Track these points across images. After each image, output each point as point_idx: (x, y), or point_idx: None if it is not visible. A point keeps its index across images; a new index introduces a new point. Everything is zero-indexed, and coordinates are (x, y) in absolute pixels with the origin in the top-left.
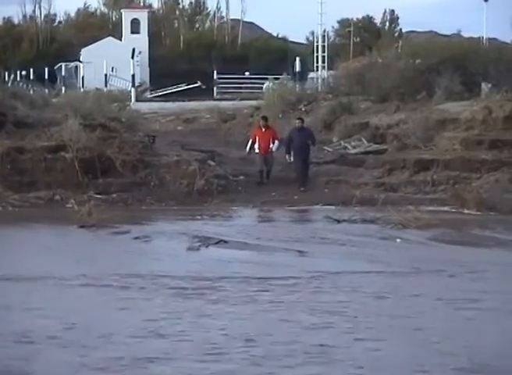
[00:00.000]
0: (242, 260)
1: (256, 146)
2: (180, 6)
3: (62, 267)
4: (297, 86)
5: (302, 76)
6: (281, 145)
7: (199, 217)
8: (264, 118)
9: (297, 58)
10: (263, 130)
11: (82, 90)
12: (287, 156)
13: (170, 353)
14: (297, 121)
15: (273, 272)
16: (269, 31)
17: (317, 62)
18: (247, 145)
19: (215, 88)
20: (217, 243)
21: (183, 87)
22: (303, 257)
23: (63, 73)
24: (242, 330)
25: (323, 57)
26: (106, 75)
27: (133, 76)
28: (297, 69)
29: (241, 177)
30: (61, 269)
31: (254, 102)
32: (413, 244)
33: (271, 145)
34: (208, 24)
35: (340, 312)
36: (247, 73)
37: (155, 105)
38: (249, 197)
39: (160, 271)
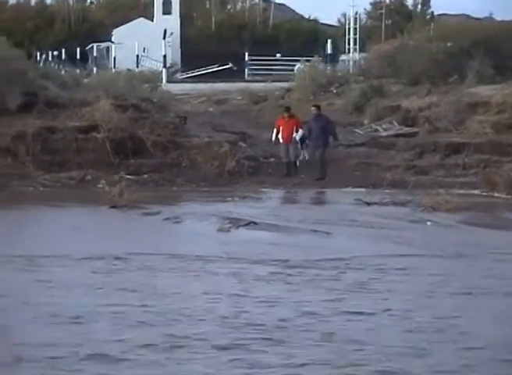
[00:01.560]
0: (272, 242)
1: (280, 136)
2: None
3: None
4: (328, 68)
5: (333, 59)
6: (305, 134)
7: (229, 199)
8: (287, 108)
9: (329, 41)
10: (286, 119)
11: (113, 70)
12: (302, 152)
13: None
14: (313, 108)
15: (304, 254)
16: (301, 13)
17: (348, 45)
18: (272, 135)
19: (246, 70)
20: (247, 224)
21: (215, 68)
22: (332, 239)
23: (95, 54)
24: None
25: (355, 39)
26: (138, 56)
27: (165, 57)
28: (329, 51)
29: (272, 159)
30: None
31: (285, 84)
32: (443, 227)
33: (294, 134)
34: (239, 5)
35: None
36: (278, 55)
37: (187, 86)
38: (279, 179)
39: (192, 251)
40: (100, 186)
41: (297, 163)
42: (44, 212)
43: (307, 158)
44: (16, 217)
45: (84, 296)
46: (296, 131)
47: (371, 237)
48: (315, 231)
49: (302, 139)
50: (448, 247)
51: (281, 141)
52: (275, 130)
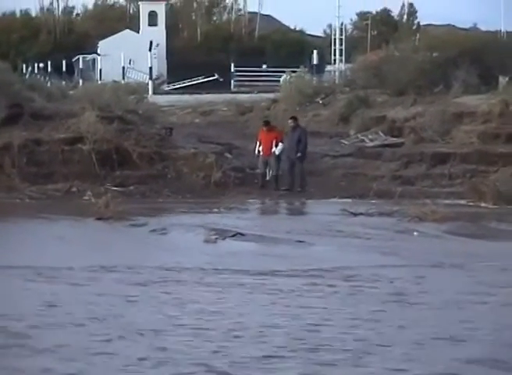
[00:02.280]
0: (260, 253)
1: (260, 148)
2: None
3: (81, 258)
4: (315, 79)
5: (319, 69)
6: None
7: (216, 210)
8: (266, 121)
9: (315, 51)
10: (265, 132)
11: (99, 82)
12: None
13: None
14: (290, 121)
15: (287, 264)
16: (287, 24)
17: (334, 55)
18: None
19: (232, 81)
20: (234, 236)
21: (201, 79)
22: (319, 250)
23: (81, 66)
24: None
25: (340, 50)
26: (124, 67)
27: (151, 68)
28: (315, 62)
29: (258, 170)
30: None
31: (271, 95)
32: (430, 237)
33: (273, 148)
34: (225, 16)
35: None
36: (264, 66)
37: (173, 98)
38: (265, 190)
39: (178, 263)
40: (86, 198)
41: (268, 176)
42: (31, 223)
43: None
44: (2, 229)
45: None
46: (276, 144)
47: (357, 248)
48: (302, 242)
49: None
50: (434, 257)
51: (261, 153)
52: (257, 142)
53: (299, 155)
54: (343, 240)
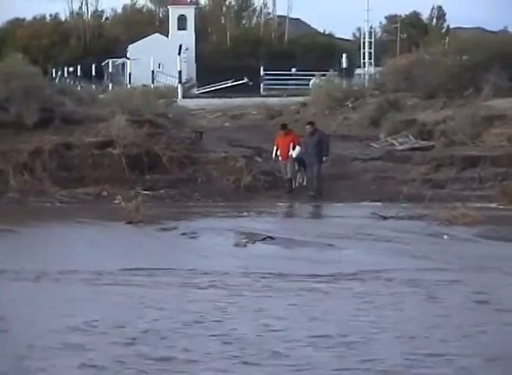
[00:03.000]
0: (290, 257)
1: (278, 153)
2: (227, 2)
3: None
4: (344, 82)
5: (349, 73)
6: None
7: (246, 213)
8: (283, 125)
9: (344, 55)
10: (283, 136)
11: (129, 86)
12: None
13: None
14: (307, 126)
15: (322, 268)
16: (316, 28)
17: (364, 59)
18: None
19: (261, 84)
20: (264, 239)
21: (230, 83)
22: (349, 253)
23: (110, 70)
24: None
25: (370, 53)
26: (153, 71)
27: (180, 72)
28: (344, 65)
29: (283, 176)
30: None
31: (300, 99)
32: (460, 240)
33: (291, 151)
34: (254, 20)
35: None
36: (293, 70)
37: (202, 102)
38: (295, 193)
39: (212, 266)
40: (116, 202)
41: (294, 181)
42: (62, 228)
43: (303, 181)
44: (34, 233)
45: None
46: (293, 148)
47: (387, 251)
48: (332, 245)
49: (300, 160)
50: (465, 260)
51: (280, 158)
52: (275, 147)
53: (325, 158)
54: (373, 243)
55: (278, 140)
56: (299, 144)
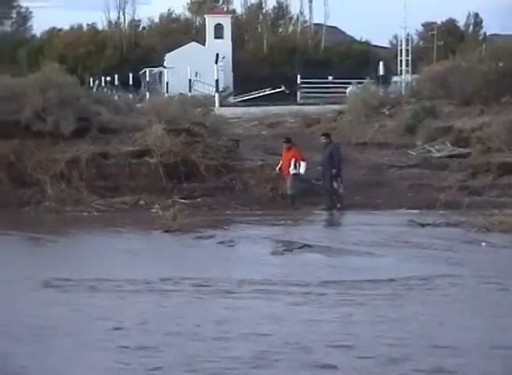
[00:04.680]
0: (328, 265)
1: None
2: (263, 11)
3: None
4: (381, 90)
5: (385, 80)
6: (307, 166)
7: (282, 221)
8: (286, 139)
9: (381, 62)
10: (285, 150)
11: (166, 95)
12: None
13: None
14: (322, 137)
15: (361, 275)
16: (352, 35)
17: (400, 66)
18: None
19: (298, 93)
20: (301, 247)
21: (267, 91)
22: (387, 261)
23: (147, 79)
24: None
25: (406, 61)
26: (190, 80)
27: (217, 81)
28: (381, 72)
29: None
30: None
31: (337, 107)
32: (498, 248)
33: (291, 167)
34: (291, 28)
35: None
36: (330, 78)
37: (239, 110)
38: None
39: (247, 275)
40: (153, 210)
41: (290, 196)
42: (99, 237)
43: (341, 190)
44: (71, 243)
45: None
46: (294, 164)
47: (425, 259)
48: (369, 253)
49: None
50: (504, 268)
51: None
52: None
53: (334, 171)
54: (411, 251)
55: (282, 154)
56: (302, 160)
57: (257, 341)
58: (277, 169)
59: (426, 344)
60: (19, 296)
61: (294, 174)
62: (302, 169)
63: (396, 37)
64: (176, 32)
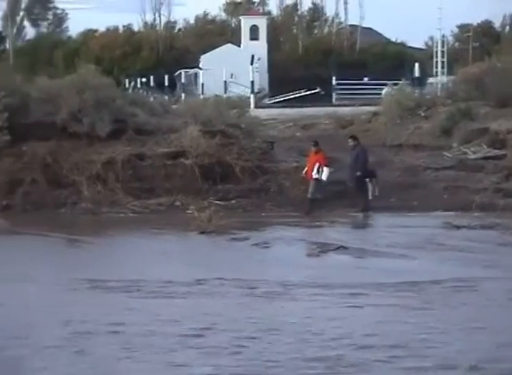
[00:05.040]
0: (363, 267)
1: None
2: (299, 12)
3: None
4: (416, 91)
5: (421, 82)
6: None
7: (317, 223)
8: (314, 142)
9: (416, 64)
10: (312, 154)
11: (201, 96)
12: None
13: None
14: (349, 140)
15: (398, 278)
16: (387, 36)
17: (436, 68)
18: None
19: (333, 94)
20: (336, 249)
21: (302, 93)
22: (422, 263)
23: (183, 80)
24: None
25: (442, 62)
26: (225, 81)
27: (253, 82)
28: (416, 74)
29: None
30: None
31: (372, 108)
32: None
33: (314, 171)
34: (326, 30)
35: None
36: (365, 79)
37: (274, 111)
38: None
39: (283, 277)
40: (189, 212)
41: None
42: (134, 238)
43: (375, 191)
44: (107, 244)
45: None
46: (318, 168)
47: (460, 261)
48: (404, 255)
49: (370, 171)
50: None
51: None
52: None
53: (358, 174)
54: (445, 253)
55: (309, 157)
56: (326, 166)
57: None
58: (303, 172)
59: None
60: (82, 299)
61: (316, 179)
62: (324, 176)
63: (431, 38)
64: (212, 33)
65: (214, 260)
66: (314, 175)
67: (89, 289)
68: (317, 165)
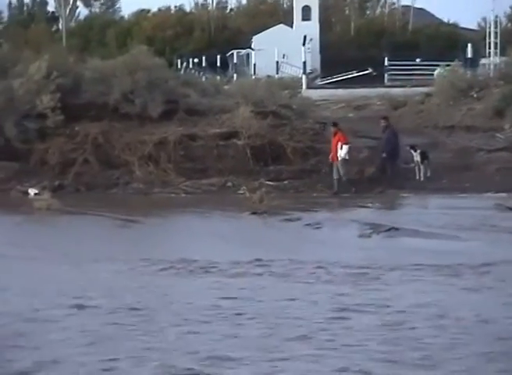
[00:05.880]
0: (415, 248)
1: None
2: None
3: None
4: (469, 72)
5: (474, 63)
6: (349, 149)
7: (369, 204)
8: (333, 123)
9: (469, 45)
10: (333, 135)
11: (253, 77)
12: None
13: None
14: (382, 121)
15: (453, 259)
16: (440, 17)
17: (489, 48)
18: None
19: (385, 75)
20: (388, 230)
21: (354, 73)
22: (474, 245)
23: (235, 61)
24: None
25: (495, 43)
26: (277, 62)
27: (304, 63)
28: (469, 55)
29: (412, 165)
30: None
31: (425, 89)
32: None
33: (339, 152)
34: (378, 10)
35: None
36: (417, 60)
37: (326, 92)
38: (419, 184)
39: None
40: (241, 192)
41: (343, 181)
42: (186, 218)
43: (429, 174)
44: (158, 224)
45: None
46: (341, 148)
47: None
48: (456, 237)
49: (422, 153)
50: None
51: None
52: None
53: (384, 155)
54: (497, 235)
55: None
56: (345, 144)
57: None
58: (330, 157)
59: None
60: (177, 280)
61: (343, 160)
62: (342, 153)
63: (484, 19)
64: (264, 14)
65: (266, 241)
66: (339, 156)
67: (166, 270)
68: (339, 145)
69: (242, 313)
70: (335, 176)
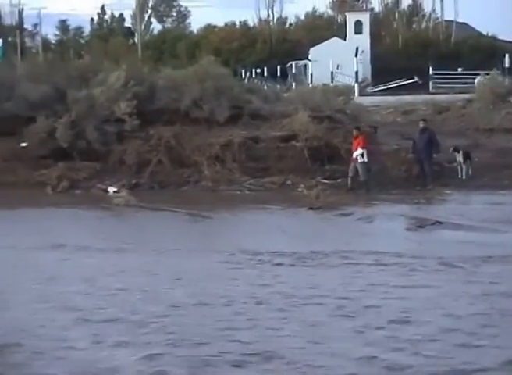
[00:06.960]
0: (458, 240)
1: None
2: (399, 9)
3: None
4: (507, 80)
5: (511, 72)
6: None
7: (416, 200)
8: (356, 128)
9: (507, 55)
10: (354, 138)
11: (310, 85)
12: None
13: None
14: (421, 122)
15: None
16: (480, 30)
17: None
18: None
19: (430, 83)
20: (433, 224)
21: (402, 82)
22: None
23: (293, 71)
24: None
25: None
26: (332, 72)
27: (357, 72)
28: (507, 64)
29: (454, 164)
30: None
31: (466, 96)
32: None
33: (356, 153)
34: (424, 24)
35: None
36: (459, 69)
37: (376, 99)
38: (461, 182)
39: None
40: (299, 190)
41: (363, 182)
42: (251, 214)
43: (470, 173)
44: (225, 219)
45: None
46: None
47: None
48: (497, 230)
49: (465, 152)
50: None
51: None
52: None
53: (435, 155)
54: None
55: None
56: (362, 148)
57: None
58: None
59: None
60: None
61: (362, 162)
62: (354, 154)
63: None
64: (320, 28)
65: (323, 233)
66: (359, 158)
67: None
68: (359, 149)
69: None
70: (350, 174)
